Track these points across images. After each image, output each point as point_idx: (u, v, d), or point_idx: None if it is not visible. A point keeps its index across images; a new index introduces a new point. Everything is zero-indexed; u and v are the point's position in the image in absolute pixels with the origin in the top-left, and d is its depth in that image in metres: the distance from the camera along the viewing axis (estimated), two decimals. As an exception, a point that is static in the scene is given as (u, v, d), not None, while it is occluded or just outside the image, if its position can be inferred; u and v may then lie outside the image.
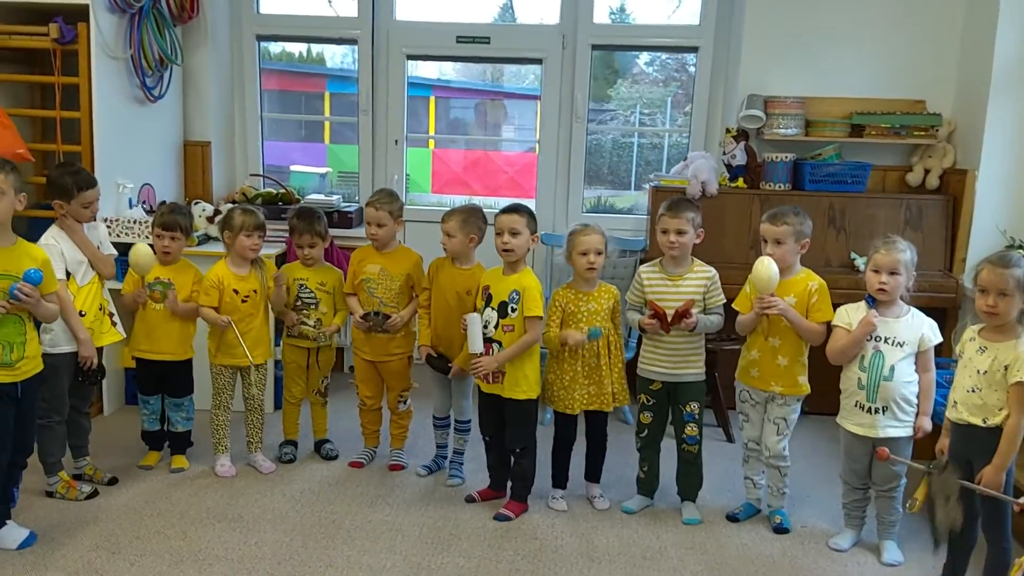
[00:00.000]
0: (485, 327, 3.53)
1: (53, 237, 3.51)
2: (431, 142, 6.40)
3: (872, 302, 3.28)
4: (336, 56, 5.47)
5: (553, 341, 3.55)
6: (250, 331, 3.84)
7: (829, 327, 3.42)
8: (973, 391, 2.92)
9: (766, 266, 3.36)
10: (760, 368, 3.54)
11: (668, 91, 5.89)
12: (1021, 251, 3.62)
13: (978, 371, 2.91)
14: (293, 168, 5.89)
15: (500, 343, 3.52)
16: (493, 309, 3.55)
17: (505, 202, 3.87)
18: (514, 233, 3.51)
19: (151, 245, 3.78)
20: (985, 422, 2.89)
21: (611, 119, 5.95)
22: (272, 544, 3.30)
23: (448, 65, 6.45)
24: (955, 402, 3.00)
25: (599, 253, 3.53)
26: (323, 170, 5.93)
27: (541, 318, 3.50)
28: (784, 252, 3.44)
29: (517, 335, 3.50)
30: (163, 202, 4.50)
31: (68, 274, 3.50)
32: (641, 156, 6.14)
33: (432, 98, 6.74)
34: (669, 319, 3.45)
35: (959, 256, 4.71)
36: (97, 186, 3.60)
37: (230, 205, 4.86)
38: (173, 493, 3.71)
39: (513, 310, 3.50)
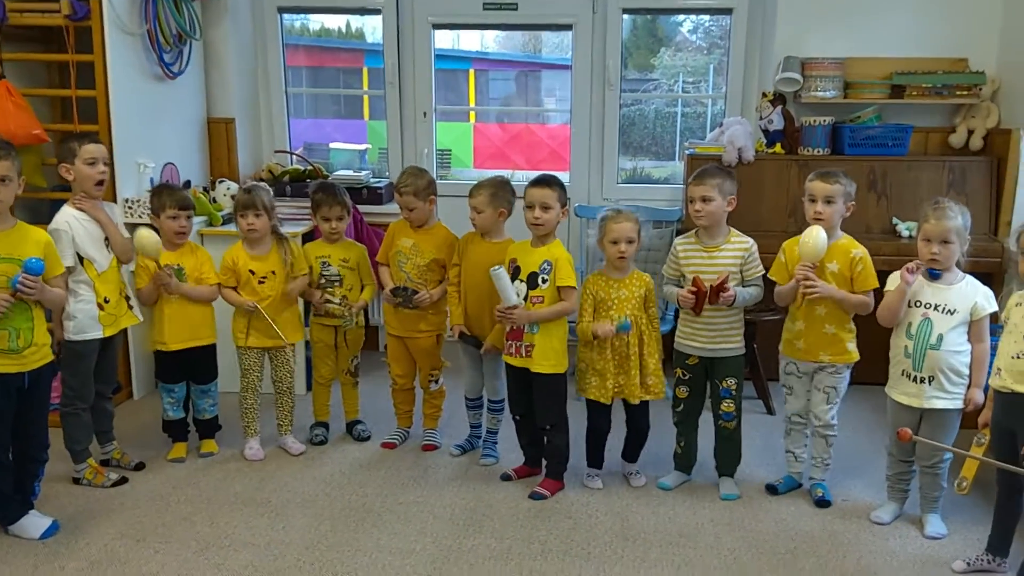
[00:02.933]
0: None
1: (67, 220, 3.39)
2: (472, 115, 6.26)
3: (936, 275, 3.16)
4: (378, 31, 5.34)
5: (585, 332, 3.45)
6: (271, 313, 3.74)
7: (878, 293, 3.32)
8: (1018, 357, 2.82)
9: (815, 235, 3.27)
10: (806, 339, 3.43)
11: (711, 58, 5.73)
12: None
13: None
14: (332, 145, 5.81)
15: None
16: (522, 281, 3.46)
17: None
18: (545, 207, 3.42)
19: (152, 228, 3.69)
20: None
21: (654, 88, 5.80)
22: (300, 529, 3.26)
23: (489, 36, 6.30)
24: (999, 369, 2.90)
25: (631, 242, 3.41)
26: (363, 147, 5.85)
27: (575, 288, 3.41)
28: (833, 212, 3.34)
29: (547, 307, 3.42)
30: (165, 183, 4.40)
31: (82, 259, 3.39)
32: (685, 125, 5.99)
33: (471, 71, 6.62)
34: (707, 296, 3.34)
35: (1004, 219, 4.54)
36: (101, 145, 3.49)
37: (255, 183, 4.79)
38: (201, 478, 3.67)
39: (544, 280, 3.42)
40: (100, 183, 3.45)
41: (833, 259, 3.34)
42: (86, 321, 3.41)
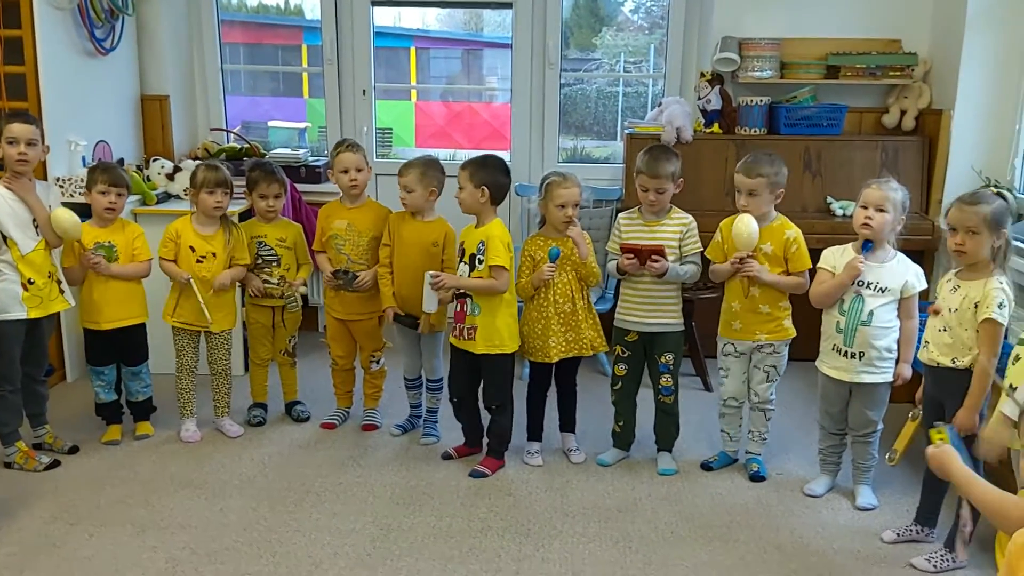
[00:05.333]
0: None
1: None
2: (413, 93, 6.22)
3: (868, 247, 3.20)
4: (317, 8, 5.26)
5: (527, 289, 3.49)
6: (203, 291, 3.68)
7: (811, 272, 3.38)
8: (944, 330, 2.89)
9: (746, 224, 3.31)
10: (742, 320, 3.48)
11: (652, 38, 5.75)
12: (994, 189, 3.56)
13: (949, 309, 2.88)
14: (271, 123, 5.74)
15: (471, 296, 3.44)
16: (465, 263, 3.47)
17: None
18: (459, 187, 3.45)
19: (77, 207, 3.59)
20: (954, 362, 2.87)
21: (596, 68, 5.81)
22: (238, 510, 3.23)
23: (431, 14, 6.26)
24: (927, 343, 2.98)
25: (576, 205, 3.45)
26: (302, 125, 5.79)
27: (505, 268, 3.41)
28: (758, 203, 3.37)
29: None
30: (103, 162, 4.32)
31: (5, 238, 3.31)
32: (626, 104, 6.02)
33: (413, 49, 6.57)
34: (644, 249, 3.38)
35: (935, 197, 4.65)
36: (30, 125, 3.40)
37: (190, 161, 4.72)
38: (136, 461, 3.62)
39: (480, 261, 3.42)
40: (22, 162, 3.35)
41: (767, 240, 3.39)
42: (7, 301, 3.32)
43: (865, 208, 3.18)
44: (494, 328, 3.45)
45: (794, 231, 3.41)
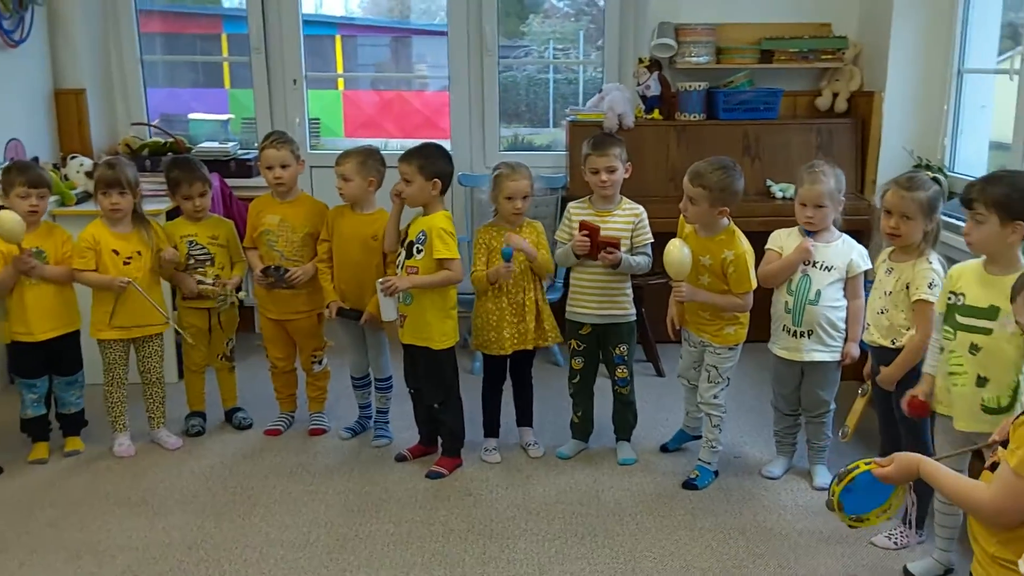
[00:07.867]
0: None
1: None
2: (340, 82, 6.07)
3: (811, 234, 3.25)
4: (236, -6, 5.10)
5: (481, 280, 3.42)
6: (140, 298, 3.48)
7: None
8: (881, 312, 2.95)
9: (675, 255, 3.14)
10: (690, 315, 3.45)
11: (579, 25, 5.73)
12: (928, 171, 3.61)
13: (885, 292, 2.93)
14: (192, 116, 5.52)
15: None
16: (403, 250, 3.39)
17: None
18: (407, 181, 3.34)
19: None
20: (894, 343, 2.91)
21: (525, 55, 5.75)
22: (181, 528, 3.07)
23: (353, 1, 6.13)
24: (868, 324, 3.03)
25: (525, 198, 3.41)
26: (224, 117, 5.60)
27: (455, 258, 3.31)
28: (696, 212, 3.22)
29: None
30: (19, 160, 4.08)
31: None
32: (557, 92, 5.99)
33: (338, 36, 6.45)
34: (599, 239, 3.31)
35: (869, 178, 4.73)
36: None
37: (116, 157, 4.47)
38: (67, 480, 3.42)
39: (419, 251, 3.32)
40: None
41: (707, 253, 3.25)
42: None
43: (804, 206, 3.22)
44: (422, 320, 3.36)
45: (733, 252, 3.21)
